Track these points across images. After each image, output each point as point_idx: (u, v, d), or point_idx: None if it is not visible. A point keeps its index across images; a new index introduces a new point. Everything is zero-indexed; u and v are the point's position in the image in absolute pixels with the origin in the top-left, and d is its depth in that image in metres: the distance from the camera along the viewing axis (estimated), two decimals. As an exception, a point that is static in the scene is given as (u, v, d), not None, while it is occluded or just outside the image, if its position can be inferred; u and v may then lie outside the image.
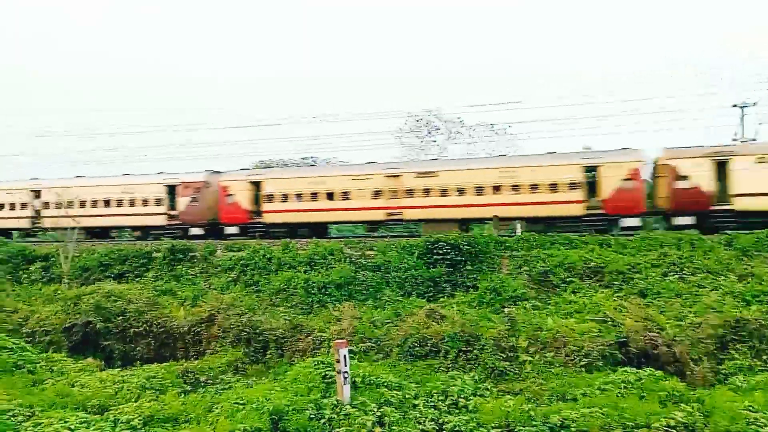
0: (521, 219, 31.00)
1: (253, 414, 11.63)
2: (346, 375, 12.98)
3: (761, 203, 27.79)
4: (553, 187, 30.83)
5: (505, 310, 19.16)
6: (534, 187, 31.05)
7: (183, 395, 14.84)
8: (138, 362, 19.15)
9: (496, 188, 31.56)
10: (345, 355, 12.98)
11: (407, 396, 13.70)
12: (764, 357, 15.17)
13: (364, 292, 23.36)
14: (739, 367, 14.93)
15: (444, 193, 32.41)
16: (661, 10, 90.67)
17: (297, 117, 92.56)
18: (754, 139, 35.59)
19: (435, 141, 58.35)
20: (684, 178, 29.19)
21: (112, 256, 29.09)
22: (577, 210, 30.46)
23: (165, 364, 18.58)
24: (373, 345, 18.11)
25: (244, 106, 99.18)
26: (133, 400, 14.38)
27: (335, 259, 25.62)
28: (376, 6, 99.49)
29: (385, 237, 31.73)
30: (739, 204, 28.32)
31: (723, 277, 21.21)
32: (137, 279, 27.29)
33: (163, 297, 23.71)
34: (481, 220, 33.03)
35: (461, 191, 32.05)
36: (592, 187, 30.50)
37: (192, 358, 19.97)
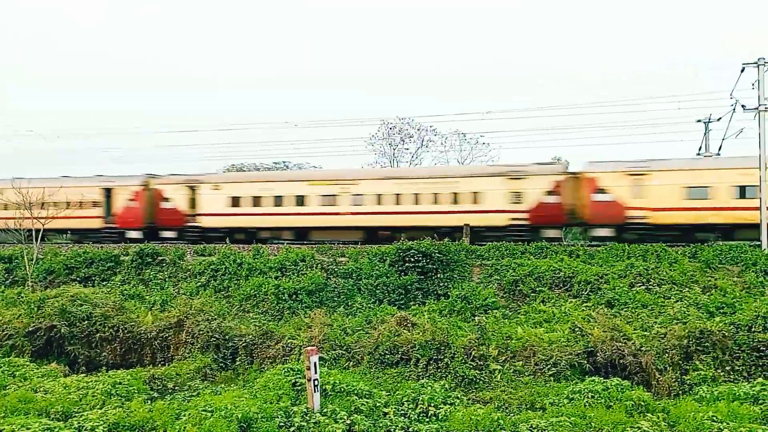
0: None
1: (221, 422, 11.49)
2: (316, 382, 12.93)
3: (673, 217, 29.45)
4: (478, 198, 32.03)
5: (476, 318, 19.29)
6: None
7: (150, 402, 14.57)
8: (103, 368, 18.76)
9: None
10: (315, 363, 12.92)
11: (377, 404, 13.70)
12: (727, 368, 15.53)
13: (336, 298, 23.30)
14: (703, 377, 15.25)
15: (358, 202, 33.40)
16: (662, 10, 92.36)
17: (275, 121, 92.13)
18: (718, 154, 36.47)
19: (407, 149, 58.64)
20: (602, 191, 30.40)
21: (78, 259, 28.50)
22: (500, 221, 31.42)
23: (131, 370, 18.24)
24: (344, 352, 18.05)
25: (243, 106, 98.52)
26: (98, 406, 14.07)
27: (306, 266, 25.50)
28: (377, 6, 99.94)
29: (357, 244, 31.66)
30: (653, 218, 29.68)
31: (688, 289, 21.69)
32: (104, 283, 26.79)
33: (130, 301, 23.29)
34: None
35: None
36: (517, 198, 31.72)
37: (159, 365, 19.66)
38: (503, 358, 16.99)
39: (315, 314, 20.47)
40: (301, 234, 34.68)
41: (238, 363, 19.01)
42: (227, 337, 19.49)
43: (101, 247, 32.24)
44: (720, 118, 38.12)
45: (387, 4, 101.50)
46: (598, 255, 25.81)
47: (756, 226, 26.99)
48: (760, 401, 13.16)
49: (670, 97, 70.24)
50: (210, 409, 12.37)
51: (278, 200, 34.34)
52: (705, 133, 40.00)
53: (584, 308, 20.64)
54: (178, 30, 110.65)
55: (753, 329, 15.95)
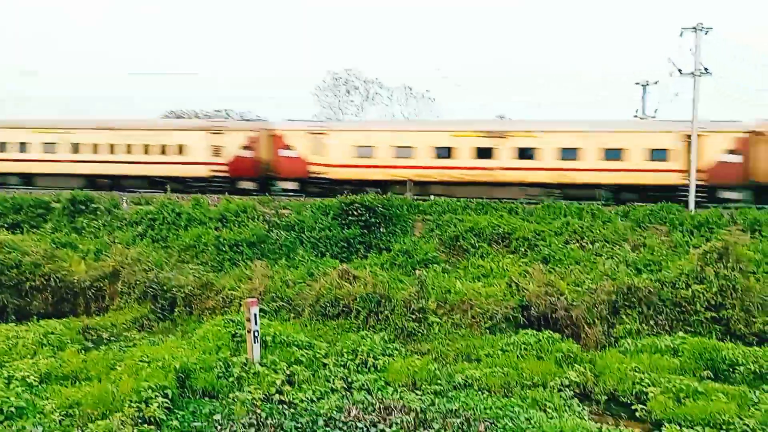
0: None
1: (158, 372, 11.37)
2: (256, 334, 12.93)
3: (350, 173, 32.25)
4: (184, 150, 34.01)
5: (416, 272, 19.59)
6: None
7: (83, 352, 14.29)
8: (34, 318, 18.16)
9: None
10: (255, 314, 12.89)
11: (317, 355, 13.86)
12: (651, 322, 16.36)
13: (277, 251, 23.13)
14: (628, 331, 16.05)
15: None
16: (663, 10, 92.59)
17: (218, 70, 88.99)
18: (653, 116, 37.71)
19: (353, 101, 57.98)
20: (288, 148, 32.92)
21: (5, 205, 27.17)
22: (204, 172, 33.85)
23: (64, 320, 17.77)
24: (285, 304, 18.07)
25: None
26: (29, 356, 13.71)
27: (248, 217, 25.15)
28: (378, 6, 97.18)
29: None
30: (330, 173, 32.56)
31: (618, 247, 22.58)
32: (33, 230, 25.67)
33: (62, 250, 22.46)
34: None
35: None
36: (217, 151, 34.01)
37: (94, 315, 19.19)
38: (442, 311, 17.38)
39: (256, 266, 20.31)
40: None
41: (176, 314, 18.76)
42: (165, 287, 19.14)
43: (30, 192, 30.82)
44: (657, 82, 39.27)
45: (385, 4, 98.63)
46: (536, 212, 26.47)
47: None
48: (679, 353, 14.02)
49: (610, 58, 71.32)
50: (147, 360, 12.22)
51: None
52: (643, 96, 41.16)
53: (521, 264, 21.24)
54: (178, 30, 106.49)
55: (677, 286, 16.78)
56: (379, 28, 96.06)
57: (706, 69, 28.37)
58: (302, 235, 24.07)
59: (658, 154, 30.01)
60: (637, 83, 41.31)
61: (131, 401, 10.21)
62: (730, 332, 15.65)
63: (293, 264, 21.53)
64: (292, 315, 17.69)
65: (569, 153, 30.72)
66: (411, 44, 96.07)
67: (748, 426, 10.46)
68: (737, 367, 13.22)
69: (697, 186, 28.70)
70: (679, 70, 29.13)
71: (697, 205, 27.90)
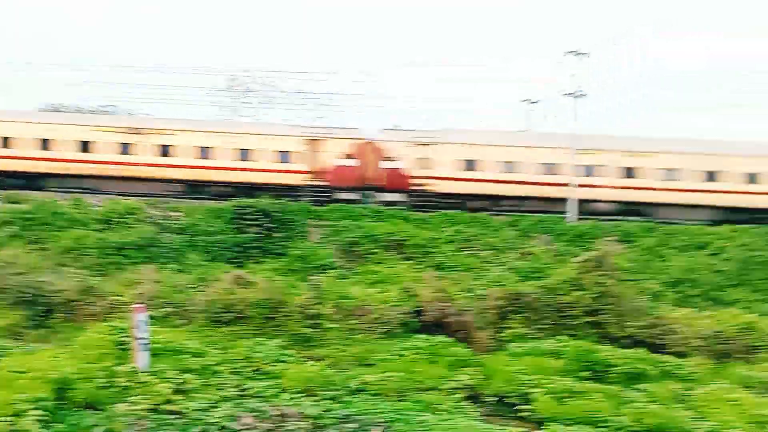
0: None
1: (34, 383, 10.53)
2: (143, 341, 12.30)
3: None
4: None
5: (312, 278, 19.48)
6: None
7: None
8: None
9: None
10: (143, 321, 12.28)
11: (209, 362, 13.39)
12: (536, 326, 17.24)
13: (167, 254, 22.20)
14: (515, 334, 16.82)
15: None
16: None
17: (99, 61, 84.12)
18: (528, 130, 40.19)
19: (249, 103, 56.80)
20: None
21: None
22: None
23: None
24: (175, 310, 17.33)
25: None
26: None
27: (136, 219, 23.96)
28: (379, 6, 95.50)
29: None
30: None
31: (506, 255, 23.70)
32: None
33: None
34: None
35: None
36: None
37: (-43, 322, 17.45)
38: (338, 316, 17.37)
39: (144, 270, 19.36)
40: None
41: (54, 321, 17.44)
42: (41, 292, 17.76)
43: None
44: (539, 101, 41.83)
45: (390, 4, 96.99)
46: (431, 220, 27.22)
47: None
48: (561, 356, 14.85)
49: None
50: (21, 370, 11.27)
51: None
52: (528, 113, 43.59)
53: (415, 270, 21.72)
54: (179, 30, 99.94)
55: (558, 292, 17.79)
56: (277, 28, 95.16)
57: (583, 90, 30.61)
58: (194, 238, 23.27)
59: (284, 157, 32.02)
60: (524, 100, 43.65)
61: (3, 415, 9.39)
62: (607, 335, 16.78)
63: (184, 269, 20.75)
64: (183, 321, 17.00)
65: (205, 152, 32.13)
66: (309, 46, 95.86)
67: (621, 423, 11.25)
68: (612, 368, 14.18)
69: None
70: (562, 91, 31.25)
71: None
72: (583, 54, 30.34)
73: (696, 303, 20.90)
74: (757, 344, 16.52)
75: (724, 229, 27.26)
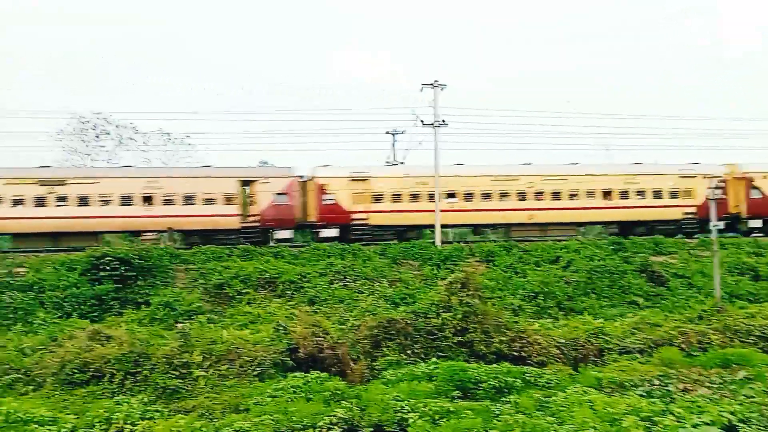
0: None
1: None
2: (-17, 416, 11.07)
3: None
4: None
5: (179, 325, 18.60)
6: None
7: None
8: None
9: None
10: (-18, 393, 11.06)
11: (63, 430, 12.30)
12: (408, 351, 17.55)
13: (11, 315, 20.25)
14: (389, 362, 16.99)
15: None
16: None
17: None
18: (402, 162, 41.24)
19: (104, 146, 53.69)
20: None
21: None
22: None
23: None
24: (22, 376, 15.76)
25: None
26: None
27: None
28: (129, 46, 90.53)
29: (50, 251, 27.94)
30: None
31: (378, 283, 24.06)
32: None
33: None
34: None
35: None
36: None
37: None
38: (208, 363, 16.61)
39: (-17, 335, 17.49)
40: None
41: None
42: None
43: None
44: (404, 131, 43.00)
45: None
46: (302, 255, 27.07)
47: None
48: (433, 378, 15.23)
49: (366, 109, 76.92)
50: None
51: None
52: (393, 144, 44.75)
53: (288, 307, 21.43)
54: (178, 31, 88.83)
55: (428, 315, 18.32)
56: (133, 69, 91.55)
57: (443, 120, 32.07)
58: (42, 295, 21.41)
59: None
60: (388, 132, 44.74)
61: None
62: (474, 353, 17.46)
63: (32, 329, 19.00)
64: (31, 388, 15.47)
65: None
66: (167, 87, 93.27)
67: (492, 436, 11.70)
68: (481, 384, 14.75)
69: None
70: (422, 121, 32.51)
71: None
72: (440, 86, 31.84)
73: (552, 313, 22.46)
74: (605, 347, 17.99)
75: (571, 243, 29.61)
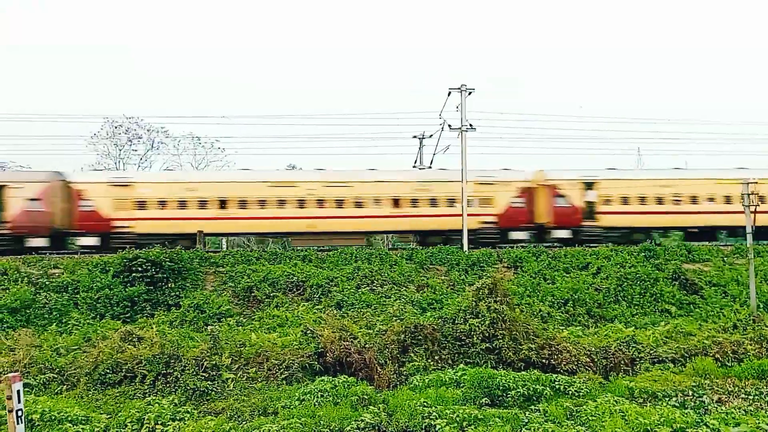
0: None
1: None
2: (20, 413, 11.30)
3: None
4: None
5: (208, 328, 18.81)
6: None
7: None
8: None
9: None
10: (18, 391, 11.29)
11: (96, 429, 12.53)
12: (436, 357, 17.52)
13: (47, 315, 20.70)
14: (416, 368, 16.97)
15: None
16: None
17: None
18: (430, 167, 41.12)
19: (136, 150, 54.74)
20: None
21: None
22: None
23: None
24: (56, 375, 16.09)
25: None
26: None
27: (9, 280, 22.20)
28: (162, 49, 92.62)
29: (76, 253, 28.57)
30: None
31: (405, 288, 24.03)
32: None
33: None
34: None
35: None
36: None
37: None
38: (236, 366, 16.80)
39: (20, 335, 17.90)
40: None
41: None
42: None
43: None
44: (431, 135, 42.88)
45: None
46: (329, 259, 27.16)
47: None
48: (461, 384, 15.15)
49: (391, 113, 77.00)
50: None
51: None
52: (419, 148, 44.66)
53: (315, 311, 21.53)
54: (179, 31, 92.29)
55: (456, 321, 18.23)
56: (165, 72, 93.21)
57: (471, 125, 31.91)
58: (77, 296, 21.85)
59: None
60: (414, 136, 44.73)
61: None
62: (502, 360, 17.32)
63: (66, 329, 19.40)
64: (65, 387, 15.80)
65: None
66: (198, 91, 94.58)
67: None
68: (509, 392, 14.61)
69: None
70: (449, 126, 32.42)
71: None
72: (467, 90, 31.72)
73: (582, 321, 22.17)
74: (637, 356, 17.67)
75: (602, 249, 29.20)
